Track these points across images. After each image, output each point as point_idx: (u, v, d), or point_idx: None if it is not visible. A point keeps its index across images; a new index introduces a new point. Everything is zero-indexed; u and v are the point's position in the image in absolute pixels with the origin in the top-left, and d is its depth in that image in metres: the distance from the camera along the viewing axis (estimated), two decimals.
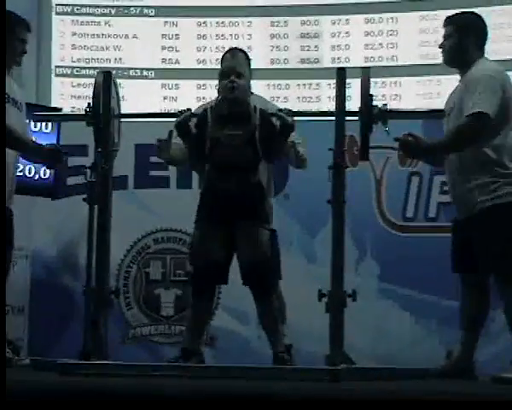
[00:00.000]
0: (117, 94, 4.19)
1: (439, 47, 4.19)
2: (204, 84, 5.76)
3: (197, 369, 3.76)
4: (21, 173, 5.15)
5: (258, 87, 5.67)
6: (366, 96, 3.87)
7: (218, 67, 5.69)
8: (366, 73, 3.91)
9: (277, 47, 5.86)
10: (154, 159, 5.32)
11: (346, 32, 5.75)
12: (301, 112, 4.68)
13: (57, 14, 5.89)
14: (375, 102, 3.87)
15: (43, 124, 5.29)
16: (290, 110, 4.07)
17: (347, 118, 3.89)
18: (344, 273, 3.80)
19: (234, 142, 3.95)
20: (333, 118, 3.93)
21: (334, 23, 5.81)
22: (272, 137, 3.99)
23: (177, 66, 5.68)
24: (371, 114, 3.87)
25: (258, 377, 3.50)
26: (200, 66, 5.81)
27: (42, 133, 5.31)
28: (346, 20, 5.79)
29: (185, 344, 4.06)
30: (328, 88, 5.48)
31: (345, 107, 3.92)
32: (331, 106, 4.13)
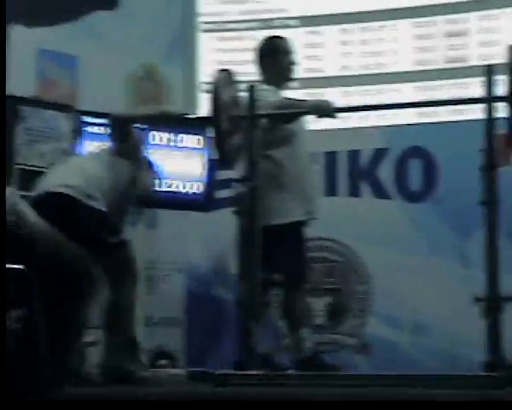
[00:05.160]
0: (238, 94, 4.22)
1: None
2: (348, 91, 5.72)
3: (348, 377, 3.73)
4: (175, 189, 5.29)
5: (405, 90, 5.61)
6: None
7: (364, 72, 5.71)
8: None
9: (423, 48, 5.75)
10: None
11: (494, 28, 5.57)
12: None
13: (203, 31, 6.01)
14: None
15: (196, 140, 5.43)
16: None
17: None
18: (500, 276, 3.67)
19: None
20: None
21: (481, 19, 5.63)
22: None
23: (320, 74, 5.67)
24: None
25: (414, 384, 3.43)
26: (345, 72, 5.78)
27: (192, 148, 5.44)
28: (494, 15, 5.60)
29: None
30: (477, 87, 5.32)
31: (493, 105, 3.79)
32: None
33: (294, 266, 4.28)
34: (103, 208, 4.04)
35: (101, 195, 4.05)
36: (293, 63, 4.53)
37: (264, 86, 4.42)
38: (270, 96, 4.30)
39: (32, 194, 4.06)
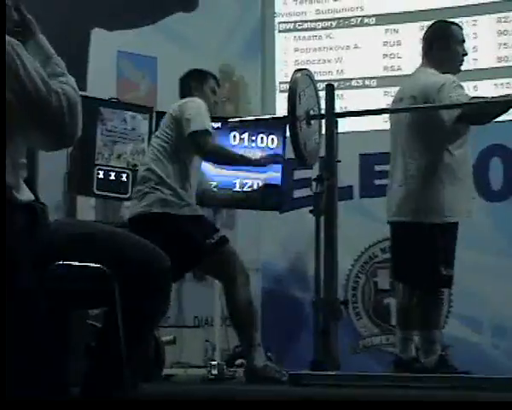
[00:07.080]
0: (316, 93, 4.19)
1: None
2: None
3: (428, 379, 3.68)
4: (249, 189, 5.30)
5: (484, 87, 5.52)
6: None
7: None
8: None
9: (505, 44, 5.64)
10: (378, 168, 5.34)
11: None
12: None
13: (280, 31, 6.02)
14: None
15: (269, 139, 5.42)
16: None
17: None
18: None
19: None
20: None
21: None
22: None
23: (398, 72, 5.61)
24: None
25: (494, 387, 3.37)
26: None
27: (268, 148, 5.43)
28: None
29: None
30: None
31: None
32: None
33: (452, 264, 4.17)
34: (197, 213, 4.10)
35: (191, 198, 4.12)
36: (465, 53, 4.34)
37: (432, 70, 4.27)
38: (459, 89, 4.14)
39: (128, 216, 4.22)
